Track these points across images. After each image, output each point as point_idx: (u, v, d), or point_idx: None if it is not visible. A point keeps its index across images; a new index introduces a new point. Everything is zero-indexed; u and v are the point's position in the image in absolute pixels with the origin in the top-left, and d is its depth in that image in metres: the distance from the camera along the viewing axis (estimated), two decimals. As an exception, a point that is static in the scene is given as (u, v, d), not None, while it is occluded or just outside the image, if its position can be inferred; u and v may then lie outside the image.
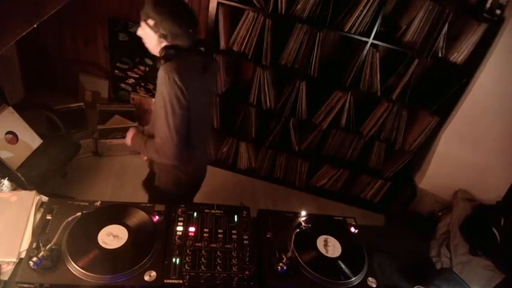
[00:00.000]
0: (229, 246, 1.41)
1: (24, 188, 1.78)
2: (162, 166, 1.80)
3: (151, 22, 1.48)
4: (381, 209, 3.43)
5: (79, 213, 1.35)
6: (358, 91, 2.86)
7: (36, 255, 1.20)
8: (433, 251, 2.69)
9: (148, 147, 1.65)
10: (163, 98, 1.46)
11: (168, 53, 1.49)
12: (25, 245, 1.37)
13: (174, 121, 1.48)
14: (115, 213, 1.44)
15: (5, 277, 1.33)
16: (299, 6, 2.62)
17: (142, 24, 1.51)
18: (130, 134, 1.77)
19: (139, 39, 1.58)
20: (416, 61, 2.65)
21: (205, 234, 1.43)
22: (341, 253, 1.46)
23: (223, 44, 2.87)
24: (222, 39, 2.86)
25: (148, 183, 2.00)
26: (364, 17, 2.56)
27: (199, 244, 1.39)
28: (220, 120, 3.26)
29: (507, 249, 2.50)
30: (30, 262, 1.19)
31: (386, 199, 3.37)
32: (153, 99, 1.68)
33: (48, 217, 1.39)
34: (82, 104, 3.31)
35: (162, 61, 1.49)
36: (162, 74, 1.46)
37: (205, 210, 1.53)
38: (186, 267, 1.31)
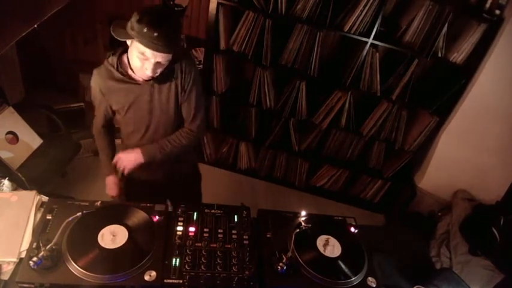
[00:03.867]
0: (229, 246, 1.41)
1: (25, 188, 1.78)
2: (187, 157, 1.90)
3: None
4: (380, 209, 3.43)
5: (79, 213, 1.35)
6: (358, 91, 2.86)
7: (37, 255, 1.20)
8: (433, 251, 2.69)
9: (174, 141, 1.69)
10: (195, 80, 1.62)
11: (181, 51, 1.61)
12: (25, 244, 1.37)
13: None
14: (115, 213, 1.44)
15: (5, 277, 1.33)
16: (299, 6, 2.62)
17: (169, 55, 1.46)
18: (129, 157, 1.69)
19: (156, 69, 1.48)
20: (416, 61, 2.65)
21: (205, 234, 1.43)
22: (341, 253, 1.46)
23: (223, 44, 2.87)
24: (222, 39, 2.86)
25: (187, 194, 2.04)
26: (364, 17, 2.56)
27: (199, 244, 1.39)
28: (220, 120, 3.26)
29: (507, 249, 2.50)
30: (31, 262, 1.19)
31: (386, 199, 3.37)
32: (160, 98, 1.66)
33: (49, 217, 1.39)
34: (82, 104, 3.31)
35: (180, 60, 1.58)
36: (188, 64, 1.60)
37: (205, 210, 1.53)
38: (186, 267, 1.31)
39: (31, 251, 1.24)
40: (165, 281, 1.26)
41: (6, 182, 1.65)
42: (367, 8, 2.52)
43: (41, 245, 1.22)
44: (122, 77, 1.58)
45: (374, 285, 1.39)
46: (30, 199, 1.53)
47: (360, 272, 1.42)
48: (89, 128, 3.30)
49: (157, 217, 1.45)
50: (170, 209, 1.53)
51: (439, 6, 2.48)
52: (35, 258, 1.19)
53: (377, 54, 2.67)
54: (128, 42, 1.48)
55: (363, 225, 1.67)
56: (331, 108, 2.94)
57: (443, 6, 2.47)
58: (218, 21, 2.79)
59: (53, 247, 1.23)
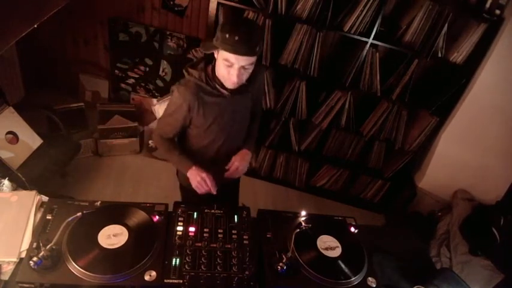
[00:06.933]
0: (229, 246, 1.41)
1: (25, 188, 1.78)
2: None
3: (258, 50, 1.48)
4: (380, 209, 3.43)
5: (79, 213, 1.36)
6: (358, 91, 2.86)
7: (37, 255, 1.20)
8: (433, 251, 2.69)
9: (255, 129, 1.90)
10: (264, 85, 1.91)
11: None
12: (25, 244, 1.37)
13: None
14: (115, 213, 1.44)
15: (6, 277, 1.33)
16: (299, 6, 2.62)
17: (254, 58, 1.47)
18: (243, 158, 1.74)
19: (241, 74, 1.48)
20: (416, 61, 2.65)
21: (205, 234, 1.43)
22: (341, 253, 1.46)
23: (223, 44, 2.87)
24: (222, 39, 2.85)
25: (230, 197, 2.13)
26: (364, 17, 2.56)
27: (199, 244, 1.39)
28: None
29: (507, 249, 2.50)
30: (31, 262, 1.19)
31: (386, 199, 3.37)
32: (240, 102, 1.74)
33: (49, 217, 1.39)
34: (82, 104, 3.31)
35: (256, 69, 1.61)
36: (263, 75, 1.84)
37: (205, 210, 1.53)
38: (186, 267, 1.31)
39: (31, 251, 1.24)
40: (165, 281, 1.26)
41: (6, 182, 1.65)
42: (367, 8, 2.52)
43: (41, 245, 1.22)
44: (211, 90, 1.57)
45: (374, 285, 1.39)
46: (30, 199, 1.53)
47: (360, 272, 1.42)
48: (89, 128, 3.31)
49: (157, 217, 1.45)
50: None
51: (439, 6, 2.48)
52: (35, 258, 1.19)
53: (377, 54, 2.67)
54: (216, 55, 1.50)
55: (363, 225, 1.67)
56: (331, 108, 2.94)
57: (443, 6, 2.47)
58: (218, 21, 2.79)
59: (53, 247, 1.23)
